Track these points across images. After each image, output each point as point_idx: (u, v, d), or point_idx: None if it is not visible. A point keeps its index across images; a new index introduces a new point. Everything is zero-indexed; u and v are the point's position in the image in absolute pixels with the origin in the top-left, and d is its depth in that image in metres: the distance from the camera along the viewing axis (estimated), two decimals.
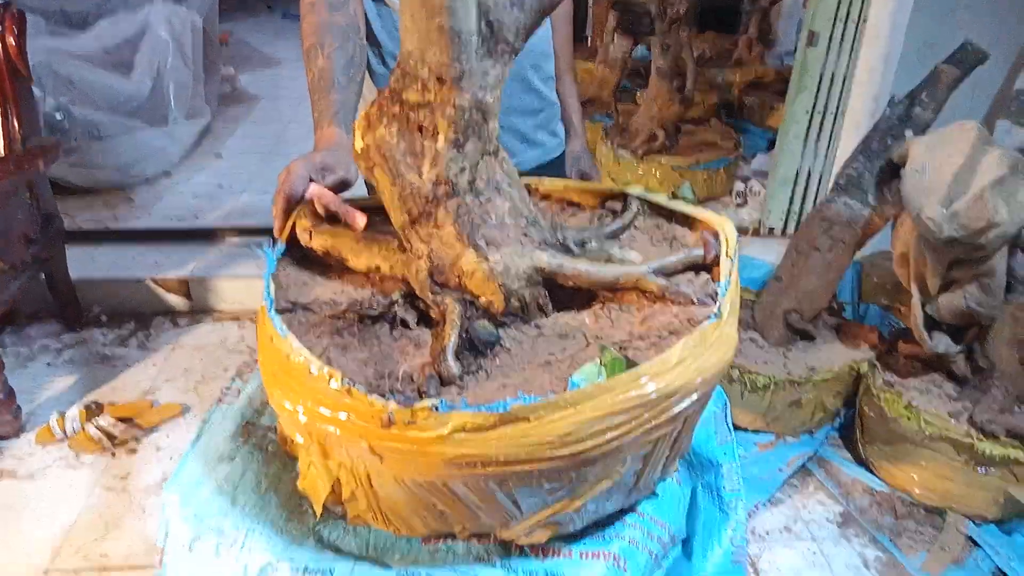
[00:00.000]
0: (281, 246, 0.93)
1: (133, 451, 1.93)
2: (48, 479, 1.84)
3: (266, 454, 0.91)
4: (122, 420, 1.98)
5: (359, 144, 0.85)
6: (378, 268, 0.93)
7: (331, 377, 0.72)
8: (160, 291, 2.59)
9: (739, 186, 3.35)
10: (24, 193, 2.18)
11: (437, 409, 0.69)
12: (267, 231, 2.93)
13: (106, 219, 3.03)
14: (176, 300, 2.60)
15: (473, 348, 0.79)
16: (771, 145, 3.43)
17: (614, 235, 0.94)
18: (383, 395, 0.71)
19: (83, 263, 2.56)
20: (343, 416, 0.72)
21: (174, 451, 1.92)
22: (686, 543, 0.89)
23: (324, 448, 0.79)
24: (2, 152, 2.09)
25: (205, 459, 0.89)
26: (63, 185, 3.08)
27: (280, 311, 0.83)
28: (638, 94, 3.86)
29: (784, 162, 2.94)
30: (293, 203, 0.96)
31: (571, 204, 1.06)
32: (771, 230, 3.07)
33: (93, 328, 2.48)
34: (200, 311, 2.59)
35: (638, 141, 3.28)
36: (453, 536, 0.81)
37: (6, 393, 1.95)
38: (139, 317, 2.54)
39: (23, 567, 1.59)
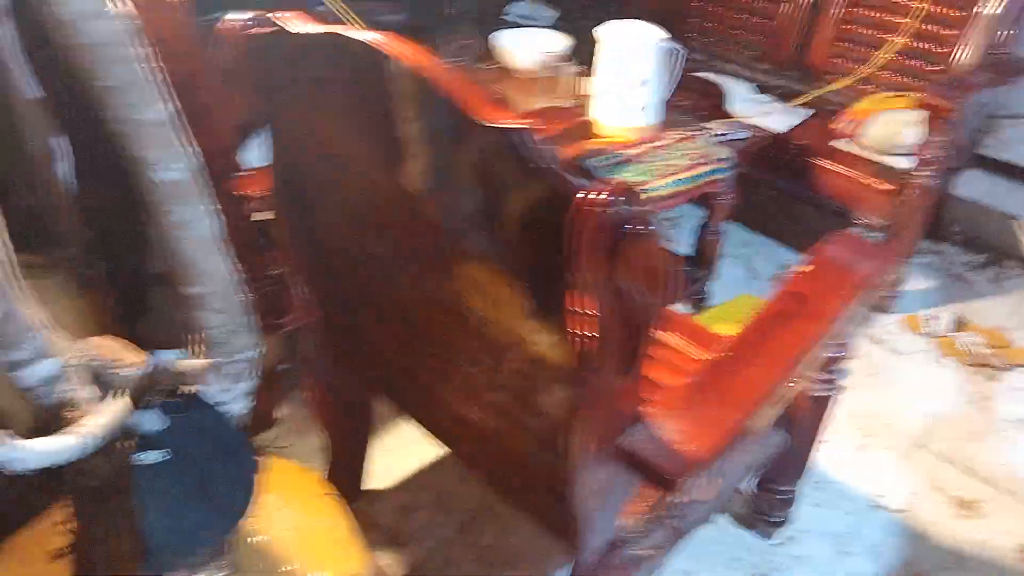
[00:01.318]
0: None
1: (993, 378, 2.00)
2: (913, 363, 2.05)
3: None
4: (985, 344, 2.07)
5: None
6: None
7: None
8: (1021, 233, 2.53)
9: None
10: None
11: None
12: None
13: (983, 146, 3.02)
14: None
15: None
16: None
17: None
18: None
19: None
20: None
21: None
22: None
23: None
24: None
25: None
26: None
27: None
28: None
29: None
30: None
31: None
32: None
33: (948, 244, 2.58)
34: None
35: None
36: None
37: (897, 273, 2.21)
38: (995, 250, 2.54)
39: (896, 430, 1.84)
